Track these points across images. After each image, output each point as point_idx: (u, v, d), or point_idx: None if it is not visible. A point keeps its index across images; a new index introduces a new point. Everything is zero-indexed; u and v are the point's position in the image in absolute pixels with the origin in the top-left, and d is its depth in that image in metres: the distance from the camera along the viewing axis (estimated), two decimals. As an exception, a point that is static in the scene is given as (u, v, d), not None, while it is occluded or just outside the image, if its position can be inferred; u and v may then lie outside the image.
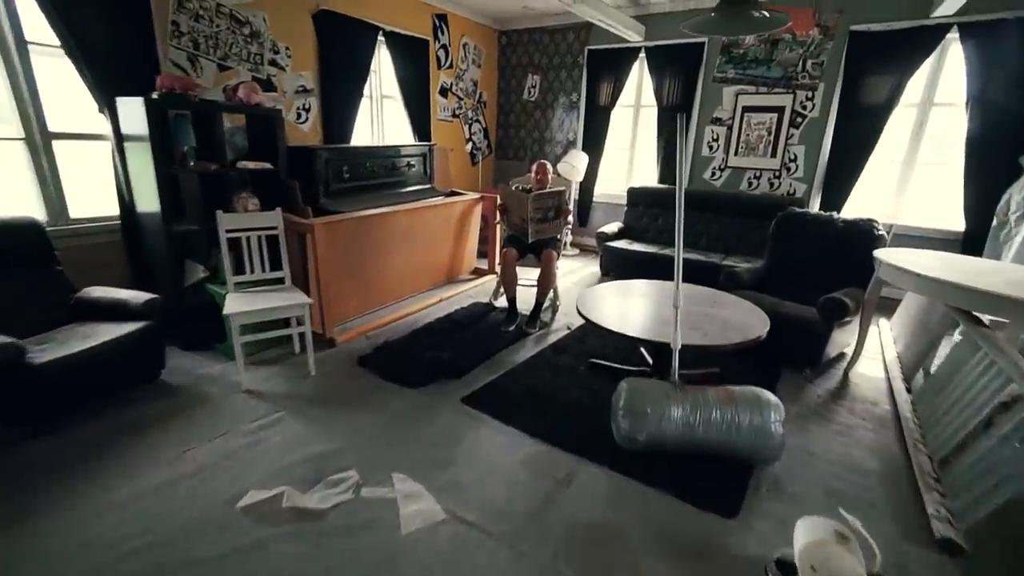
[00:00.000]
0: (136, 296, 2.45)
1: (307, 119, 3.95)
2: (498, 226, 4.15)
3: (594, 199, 5.63)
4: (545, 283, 3.40)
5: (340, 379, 2.71)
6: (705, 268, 4.13)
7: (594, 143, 5.44)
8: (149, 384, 2.52)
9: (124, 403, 2.35)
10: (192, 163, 2.85)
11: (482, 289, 4.32)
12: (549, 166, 3.75)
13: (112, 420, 2.23)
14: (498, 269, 3.66)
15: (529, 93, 5.84)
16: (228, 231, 2.66)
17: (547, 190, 3.47)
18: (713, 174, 4.87)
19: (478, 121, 5.85)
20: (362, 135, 4.63)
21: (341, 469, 1.96)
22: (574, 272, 4.97)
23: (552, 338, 3.33)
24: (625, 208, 5.12)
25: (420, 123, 4.96)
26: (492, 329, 3.37)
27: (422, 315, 3.67)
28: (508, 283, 3.43)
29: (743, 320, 2.51)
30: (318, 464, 2.00)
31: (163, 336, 2.49)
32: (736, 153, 4.69)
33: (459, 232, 4.43)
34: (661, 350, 2.43)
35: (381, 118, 4.73)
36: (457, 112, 5.51)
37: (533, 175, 3.72)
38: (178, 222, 2.87)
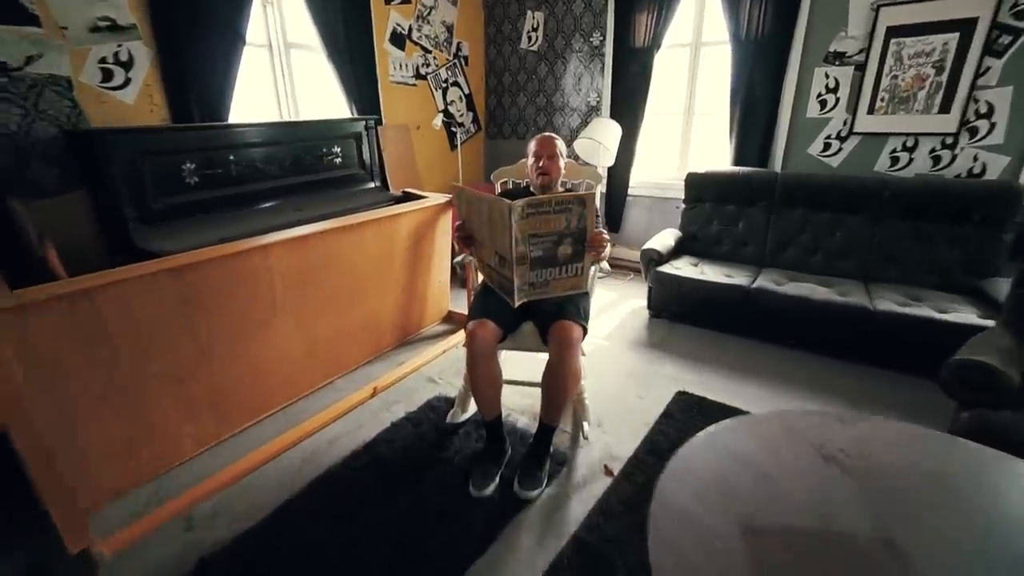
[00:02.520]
0: None
1: (129, 82, 2.23)
2: (470, 266, 2.27)
3: (630, 191, 3.82)
4: (558, 393, 1.66)
5: None
6: (848, 318, 2.35)
7: (628, 107, 3.62)
8: None
9: None
10: None
11: (456, 358, 2.61)
12: (560, 143, 2.00)
13: None
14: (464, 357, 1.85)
15: (529, 40, 4.02)
16: None
17: (558, 193, 1.74)
18: (826, 147, 3.01)
19: (456, 84, 4.06)
20: (256, 109, 2.91)
21: None
22: (606, 311, 3.21)
23: (578, 506, 1.61)
24: (681, 206, 3.31)
25: (360, 89, 3.20)
26: (451, 488, 1.67)
27: (326, 441, 1.97)
28: (482, 389, 1.71)
29: None
30: None
31: None
32: (872, 110, 2.82)
33: (417, 260, 2.70)
34: None
35: (290, 81, 2.98)
36: (423, 71, 3.73)
37: (531, 159, 1.97)
38: None
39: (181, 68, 2.35)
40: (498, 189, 2.33)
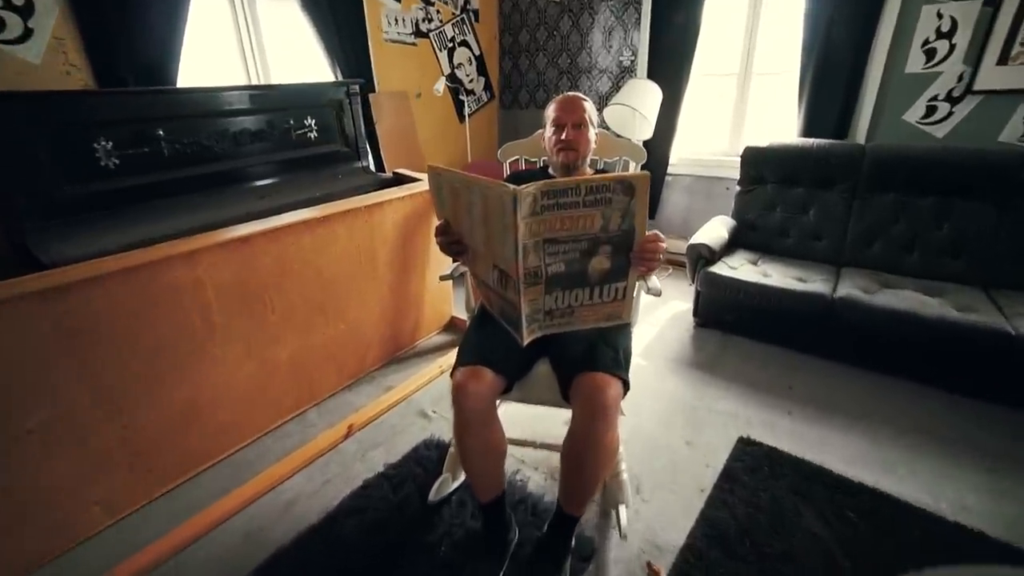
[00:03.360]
0: None
1: (31, 34, 1.74)
2: (470, 282, 1.52)
3: (669, 169, 3.21)
4: (583, 475, 1.13)
5: None
6: (978, 343, 1.76)
7: (669, 68, 2.98)
8: None
9: None
10: None
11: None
12: (590, 107, 1.46)
13: None
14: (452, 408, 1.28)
15: (550, -12, 3.37)
16: None
17: (588, 175, 1.15)
18: (929, 112, 2.35)
19: (465, 44, 3.46)
20: (218, 74, 2.40)
21: None
22: (642, 318, 2.64)
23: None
24: (736, 189, 2.70)
25: (345, 48, 2.66)
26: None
27: (281, 504, 1.51)
28: (476, 462, 1.20)
29: None
30: None
31: None
32: (1005, 59, 2.13)
33: (409, 257, 2.20)
34: None
35: (256, 38, 2.45)
36: (424, 28, 3.15)
37: (549, 128, 1.45)
38: None
39: (103, 18, 1.84)
40: (506, 171, 1.78)
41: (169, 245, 1.39)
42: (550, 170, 1.55)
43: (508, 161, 1.80)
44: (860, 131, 2.52)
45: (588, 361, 1.12)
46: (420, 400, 2.01)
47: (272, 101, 2.06)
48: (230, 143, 1.94)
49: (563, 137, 1.41)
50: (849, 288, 2.05)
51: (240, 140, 1.97)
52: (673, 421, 1.85)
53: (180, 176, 1.77)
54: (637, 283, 1.26)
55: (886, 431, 1.75)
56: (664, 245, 1.04)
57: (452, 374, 1.18)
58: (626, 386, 1.13)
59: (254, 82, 2.47)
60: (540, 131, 1.61)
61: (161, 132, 1.69)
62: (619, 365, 1.14)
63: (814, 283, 2.14)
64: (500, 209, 0.93)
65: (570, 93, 1.49)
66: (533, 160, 1.81)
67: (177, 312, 1.44)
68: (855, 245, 2.36)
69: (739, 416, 1.86)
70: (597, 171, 1.57)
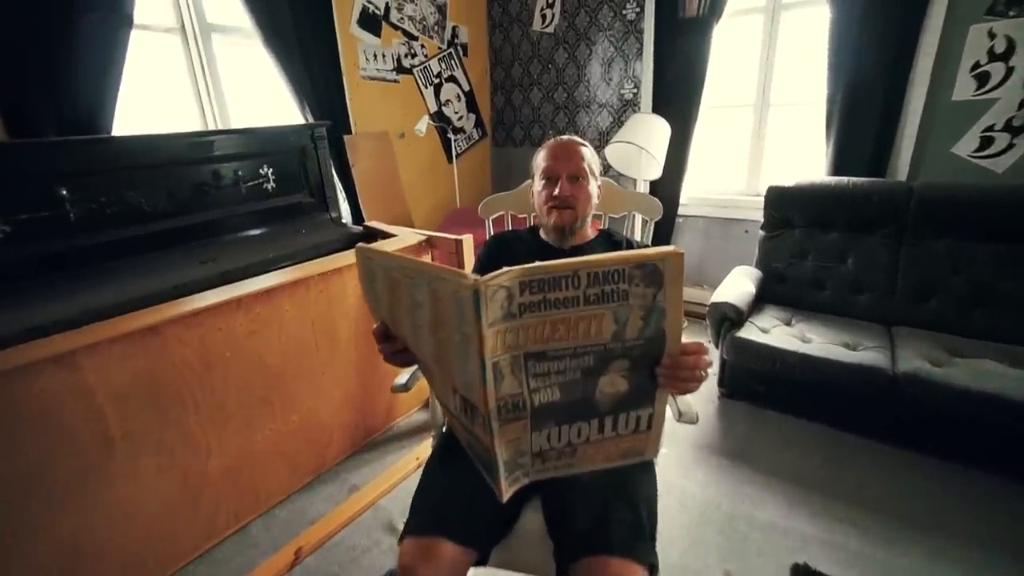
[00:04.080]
0: None
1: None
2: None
3: (681, 209, 2.89)
4: None
5: None
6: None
7: (676, 100, 2.70)
8: None
9: None
10: None
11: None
12: (590, 154, 1.14)
13: None
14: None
15: (543, 19, 3.14)
16: None
17: (588, 259, 0.65)
18: (984, 144, 2.02)
19: (453, 79, 3.21)
20: (167, 120, 2.12)
21: None
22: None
23: None
24: (757, 233, 2.36)
25: (317, 86, 2.39)
26: None
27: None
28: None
29: None
30: None
31: None
32: (1073, 84, 1.82)
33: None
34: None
35: (213, 79, 2.18)
36: (407, 64, 2.90)
37: (538, 182, 1.15)
38: None
39: (17, 58, 1.57)
40: (489, 230, 1.46)
41: (36, 345, 1.05)
42: (541, 233, 1.23)
43: (491, 218, 1.48)
44: (901, 168, 2.19)
45: (598, 536, 0.76)
46: (390, 507, 1.63)
47: (218, 148, 1.77)
48: (164, 199, 1.64)
49: (556, 193, 1.09)
50: (913, 359, 1.68)
51: (177, 195, 1.67)
52: (706, 540, 1.46)
53: (93, 243, 1.45)
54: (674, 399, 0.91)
55: (979, 547, 1.35)
56: (708, 359, 0.70)
57: (400, 540, 0.82)
58: (653, 571, 0.76)
59: (212, 126, 2.20)
60: (528, 182, 1.29)
61: (65, 191, 1.38)
62: (642, 535, 0.78)
63: (867, 351, 1.77)
64: (456, 313, 0.61)
65: (564, 137, 1.18)
66: (523, 216, 1.49)
67: (54, 430, 1.09)
68: (907, 300, 2.00)
69: (789, 532, 1.46)
70: (602, 232, 1.25)
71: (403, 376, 1.01)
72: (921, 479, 1.63)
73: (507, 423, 0.64)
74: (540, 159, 1.16)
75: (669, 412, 0.86)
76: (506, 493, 0.68)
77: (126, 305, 1.27)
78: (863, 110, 2.18)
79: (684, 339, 0.65)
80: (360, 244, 0.79)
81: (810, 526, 1.48)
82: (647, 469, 0.91)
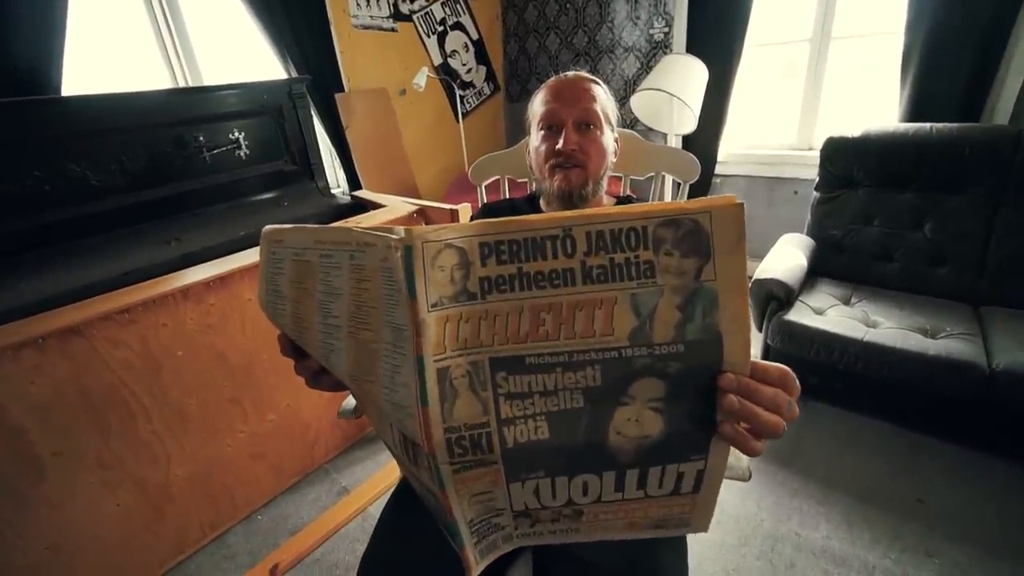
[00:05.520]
0: None
1: None
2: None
3: (718, 167, 2.52)
4: None
5: None
6: None
7: (715, 39, 2.29)
8: None
9: None
10: None
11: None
12: (602, 92, 0.85)
13: None
14: None
15: (561, -50, 2.73)
16: None
17: (594, 211, 0.51)
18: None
19: (460, 27, 2.86)
20: (130, 79, 1.90)
21: None
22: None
23: None
24: (811, 195, 2.00)
25: (301, 39, 2.11)
26: None
27: None
28: None
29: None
30: None
31: None
32: None
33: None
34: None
35: (179, 32, 1.93)
36: (406, 10, 2.57)
37: (536, 134, 0.89)
38: None
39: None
40: (481, 198, 1.20)
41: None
42: (541, 202, 0.96)
43: (484, 184, 1.22)
44: (1002, 110, 1.78)
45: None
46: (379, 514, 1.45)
47: (177, 110, 1.53)
48: (115, 172, 1.43)
49: (560, 145, 0.82)
50: (1015, 350, 1.35)
51: (130, 167, 1.45)
52: (743, 567, 1.22)
53: (22, 227, 1.25)
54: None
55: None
56: (797, 385, 0.42)
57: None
58: None
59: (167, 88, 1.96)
60: (524, 139, 1.01)
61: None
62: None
63: (951, 339, 1.44)
64: (384, 292, 0.42)
65: (569, 73, 0.90)
66: (522, 181, 1.22)
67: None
68: (1000, 275, 1.64)
69: (847, 560, 1.21)
70: (619, 200, 0.97)
71: (351, 398, 0.78)
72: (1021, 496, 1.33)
73: (466, 469, 0.41)
74: (537, 103, 0.88)
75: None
76: (476, 567, 0.46)
77: (53, 301, 1.08)
78: (956, 36, 1.75)
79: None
80: (267, 227, 0.54)
81: (872, 554, 1.22)
82: (678, 549, 0.66)
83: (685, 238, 0.38)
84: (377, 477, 1.57)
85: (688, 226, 0.38)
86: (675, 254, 0.39)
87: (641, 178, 1.13)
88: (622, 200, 0.95)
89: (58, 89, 1.58)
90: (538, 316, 0.40)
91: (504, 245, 0.39)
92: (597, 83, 0.88)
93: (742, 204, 0.38)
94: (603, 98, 0.87)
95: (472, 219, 1.03)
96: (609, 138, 0.88)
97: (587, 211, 0.39)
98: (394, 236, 0.39)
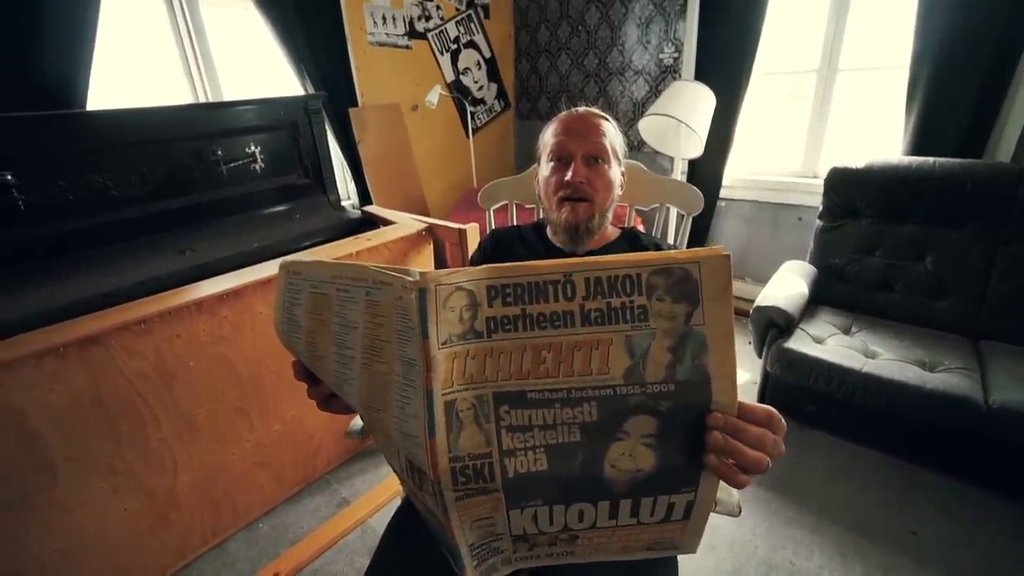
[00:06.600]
0: None
1: None
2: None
3: (723, 191, 2.56)
4: None
5: None
6: None
7: (724, 66, 2.33)
8: None
9: None
10: None
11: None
12: (611, 129, 0.90)
13: None
14: None
15: (574, -26, 2.79)
16: None
17: (587, 260, 0.45)
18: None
19: (473, 45, 2.93)
20: (153, 94, 1.96)
21: None
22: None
23: None
24: (814, 222, 2.03)
25: (318, 55, 2.17)
26: None
27: None
28: None
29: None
30: None
31: None
32: None
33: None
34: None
35: (201, 47, 1.99)
36: (421, 28, 2.63)
37: (545, 165, 0.92)
38: None
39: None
40: (489, 223, 1.24)
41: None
42: (548, 232, 0.99)
43: (492, 208, 1.25)
44: (1004, 147, 1.80)
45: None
46: (379, 528, 1.48)
47: (198, 125, 1.58)
48: (136, 183, 1.47)
49: (569, 178, 0.86)
50: (1011, 387, 1.36)
51: (150, 178, 1.50)
52: (739, 598, 1.23)
53: (46, 234, 1.30)
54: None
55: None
56: (782, 423, 0.45)
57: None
58: None
59: (202, 100, 2.02)
60: (533, 167, 1.04)
61: (10, 176, 1.22)
62: None
63: (949, 373, 1.46)
64: (398, 329, 0.45)
65: (580, 108, 0.93)
66: (530, 207, 1.25)
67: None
68: (999, 310, 1.65)
69: (845, 595, 1.22)
70: (625, 233, 1.00)
71: (355, 423, 0.81)
72: (1016, 533, 1.34)
73: (468, 496, 0.44)
74: (548, 135, 0.92)
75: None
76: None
77: (74, 308, 1.12)
78: (960, 73, 1.78)
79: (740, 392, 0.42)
80: (286, 258, 0.57)
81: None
82: (668, 563, 0.68)
83: (676, 285, 0.42)
84: (378, 489, 1.59)
85: (679, 274, 0.42)
86: (667, 300, 0.42)
87: (646, 209, 1.16)
88: (627, 234, 0.98)
89: (84, 102, 1.63)
90: (539, 354, 0.43)
91: (510, 288, 0.43)
92: (606, 119, 0.92)
93: (728, 255, 0.41)
94: (612, 133, 0.91)
95: (480, 242, 1.07)
96: (616, 172, 0.91)
97: (587, 259, 0.43)
98: (409, 278, 0.42)
